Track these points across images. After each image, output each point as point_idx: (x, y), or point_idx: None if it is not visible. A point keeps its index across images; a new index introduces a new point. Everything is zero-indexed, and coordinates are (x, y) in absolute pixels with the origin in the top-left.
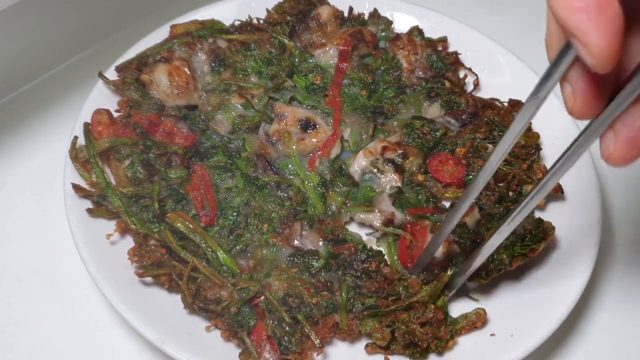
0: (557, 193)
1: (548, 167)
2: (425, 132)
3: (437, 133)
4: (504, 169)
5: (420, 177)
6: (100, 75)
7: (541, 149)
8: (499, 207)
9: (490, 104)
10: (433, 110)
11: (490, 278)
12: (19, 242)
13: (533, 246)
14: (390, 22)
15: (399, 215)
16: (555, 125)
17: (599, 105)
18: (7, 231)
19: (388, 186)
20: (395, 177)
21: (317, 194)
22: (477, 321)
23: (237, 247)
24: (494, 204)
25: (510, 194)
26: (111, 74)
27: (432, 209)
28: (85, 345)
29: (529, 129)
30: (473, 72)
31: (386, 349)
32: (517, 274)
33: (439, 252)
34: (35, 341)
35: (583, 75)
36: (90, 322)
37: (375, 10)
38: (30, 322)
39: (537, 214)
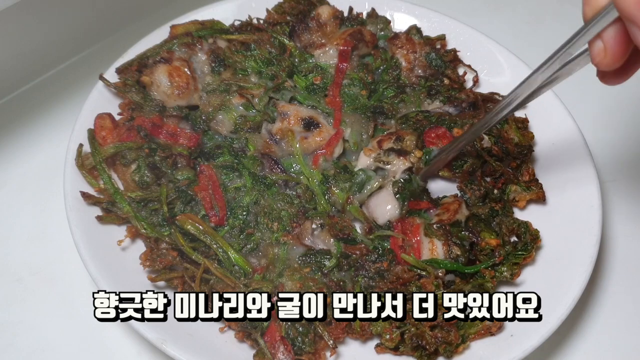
0: (539, 200)
1: (549, 166)
2: (419, 118)
3: (432, 118)
4: (494, 164)
5: (418, 154)
6: (101, 78)
7: (533, 150)
8: (484, 207)
9: (490, 97)
10: (434, 108)
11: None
12: (19, 242)
13: (526, 255)
14: (388, 22)
15: (396, 212)
16: (554, 125)
17: (622, 59)
18: (7, 231)
19: (400, 171)
20: (402, 160)
21: (321, 191)
22: (493, 327)
23: (248, 246)
24: (479, 199)
25: (495, 191)
26: (111, 75)
27: (427, 202)
28: (85, 345)
29: (525, 127)
30: (472, 69)
31: (395, 350)
32: None
33: (441, 255)
34: (35, 341)
35: (618, 36)
36: (90, 322)
37: (373, 9)
38: (30, 322)
39: (536, 214)
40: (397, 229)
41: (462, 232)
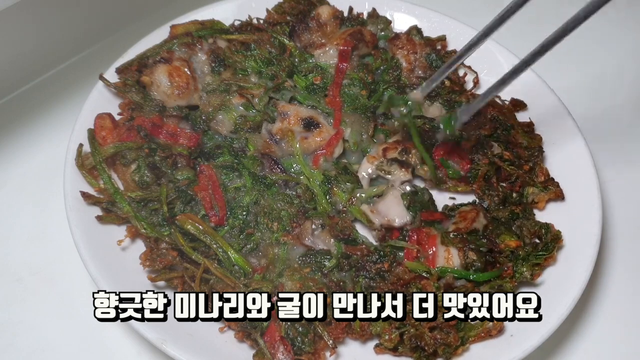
0: (558, 198)
1: (550, 167)
2: (426, 129)
3: (439, 129)
4: (508, 169)
5: (425, 168)
6: (101, 78)
7: (544, 151)
8: (504, 210)
9: (491, 101)
10: (434, 110)
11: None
12: (19, 242)
13: (547, 255)
14: (389, 22)
15: (406, 219)
16: (555, 125)
17: None
18: (7, 231)
19: (398, 182)
20: (403, 171)
21: (322, 191)
22: (493, 329)
23: (248, 246)
24: (498, 205)
25: (514, 195)
26: (111, 75)
27: (440, 214)
28: (85, 345)
29: (532, 130)
30: (473, 70)
31: (394, 351)
32: None
33: (457, 262)
34: (35, 341)
35: None
36: (90, 322)
37: (374, 10)
38: (30, 322)
39: (538, 215)
40: (412, 239)
41: (480, 240)
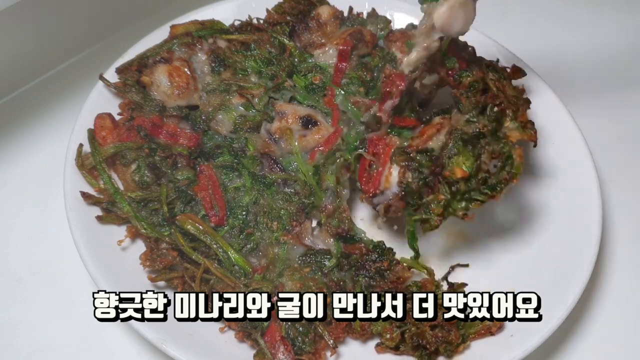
0: (531, 141)
1: (550, 167)
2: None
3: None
4: (495, 90)
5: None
6: (101, 78)
7: (530, 102)
8: (472, 126)
9: (493, 65)
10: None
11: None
12: (19, 242)
13: (492, 193)
14: (388, 22)
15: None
16: (555, 125)
17: None
18: (7, 231)
19: None
20: None
21: (316, 181)
22: (493, 326)
23: (248, 246)
24: (472, 109)
25: (495, 109)
26: (111, 75)
27: (414, 120)
28: (85, 345)
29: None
30: None
31: (395, 350)
32: (516, 273)
33: (394, 181)
34: (35, 341)
35: None
36: (90, 322)
37: (374, 9)
38: (30, 322)
39: (537, 213)
40: (370, 147)
41: (427, 161)
